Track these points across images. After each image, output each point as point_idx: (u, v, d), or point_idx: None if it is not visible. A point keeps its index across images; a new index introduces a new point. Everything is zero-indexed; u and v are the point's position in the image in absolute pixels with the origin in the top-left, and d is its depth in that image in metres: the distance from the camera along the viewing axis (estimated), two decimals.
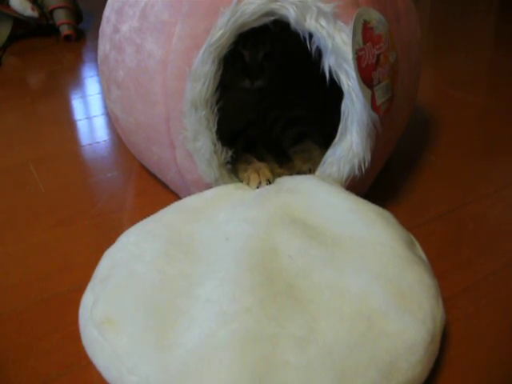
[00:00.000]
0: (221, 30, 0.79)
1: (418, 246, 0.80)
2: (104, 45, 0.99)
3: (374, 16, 0.81)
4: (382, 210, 0.81)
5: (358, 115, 0.81)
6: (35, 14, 1.89)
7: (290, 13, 0.79)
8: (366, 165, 0.84)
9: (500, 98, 1.46)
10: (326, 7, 0.78)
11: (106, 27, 0.99)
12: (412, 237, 0.81)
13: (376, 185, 0.97)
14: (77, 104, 1.55)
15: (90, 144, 1.30)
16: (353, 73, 0.78)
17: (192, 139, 0.85)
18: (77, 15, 1.96)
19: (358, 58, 0.78)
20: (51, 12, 1.91)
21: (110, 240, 0.96)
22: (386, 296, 0.65)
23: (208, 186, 0.90)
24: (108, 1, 1.02)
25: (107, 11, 1.00)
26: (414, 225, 0.89)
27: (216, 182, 0.89)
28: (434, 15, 2.24)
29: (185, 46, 0.82)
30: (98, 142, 1.30)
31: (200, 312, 0.63)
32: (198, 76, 0.81)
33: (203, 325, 0.61)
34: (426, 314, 0.66)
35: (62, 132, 1.36)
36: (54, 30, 1.92)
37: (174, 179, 0.98)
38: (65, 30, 1.90)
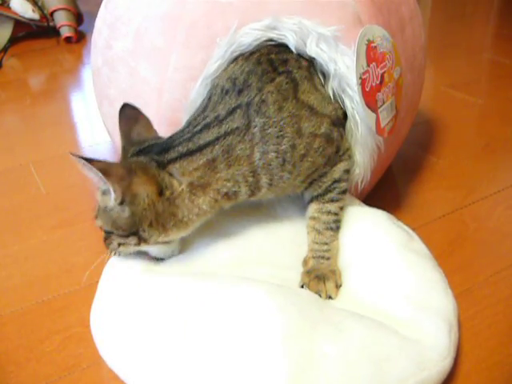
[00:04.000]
0: (217, 62, 0.78)
1: (416, 238, 0.80)
2: (96, 57, 0.98)
3: (378, 33, 0.80)
4: (374, 211, 0.82)
5: (361, 138, 0.80)
6: (36, 15, 1.89)
7: (289, 40, 0.77)
8: (365, 183, 0.84)
9: (501, 98, 1.46)
10: (327, 31, 0.76)
11: (97, 39, 0.98)
12: (408, 230, 0.81)
13: (377, 186, 0.97)
14: (77, 106, 1.55)
15: (90, 146, 1.30)
16: (356, 96, 0.77)
17: None
18: (77, 17, 1.96)
19: (362, 82, 0.76)
20: (52, 14, 1.91)
21: None
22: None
23: None
24: (100, 11, 0.99)
25: (99, 22, 0.98)
26: (415, 226, 0.89)
27: None
28: (435, 16, 2.24)
29: (181, 77, 0.80)
30: (98, 144, 1.30)
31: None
32: (195, 108, 0.79)
33: None
34: (437, 308, 0.67)
35: (62, 134, 1.36)
36: (54, 32, 1.92)
37: None
38: (65, 32, 1.90)
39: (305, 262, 0.76)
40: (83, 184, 1.14)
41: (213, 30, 0.79)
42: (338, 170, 0.78)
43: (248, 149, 0.69)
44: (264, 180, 0.71)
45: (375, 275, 0.72)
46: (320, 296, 0.70)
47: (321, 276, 0.71)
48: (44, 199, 1.08)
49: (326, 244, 0.75)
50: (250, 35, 0.77)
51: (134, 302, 0.69)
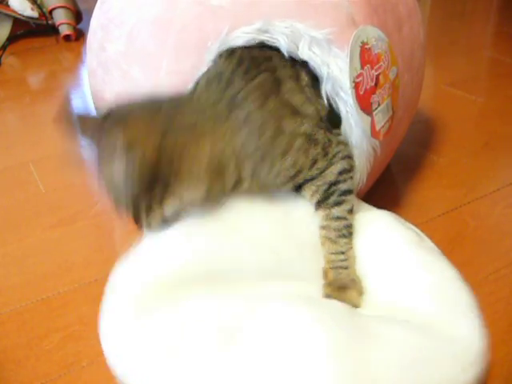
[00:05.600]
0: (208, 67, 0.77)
1: (424, 237, 0.79)
2: (91, 59, 0.97)
3: (373, 34, 0.79)
4: (382, 213, 0.81)
5: (356, 141, 0.78)
6: (35, 13, 1.88)
7: (281, 43, 0.75)
8: (361, 185, 0.83)
9: (501, 97, 1.46)
10: (319, 34, 0.75)
11: (92, 40, 0.97)
12: (416, 229, 0.80)
13: (377, 184, 0.97)
14: (76, 104, 1.55)
15: (89, 144, 1.30)
16: (350, 100, 0.75)
17: None
18: (76, 15, 1.96)
19: (356, 85, 0.75)
20: (51, 12, 1.91)
21: (109, 240, 0.97)
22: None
23: None
24: (94, 12, 0.99)
25: (94, 23, 0.98)
26: (414, 224, 0.89)
27: None
28: (434, 14, 2.24)
29: (173, 82, 0.79)
30: None
31: None
32: None
33: None
34: (465, 304, 0.67)
35: (61, 132, 1.36)
36: (53, 30, 1.92)
37: None
38: (64, 30, 1.90)
39: (325, 274, 0.73)
40: (82, 183, 1.14)
41: (204, 33, 0.78)
42: (330, 173, 0.75)
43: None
44: (244, 173, 0.70)
45: (396, 278, 0.70)
46: None
47: (342, 286, 0.70)
48: (43, 198, 1.08)
49: (343, 253, 0.73)
50: (242, 39, 0.76)
51: (159, 322, 0.62)
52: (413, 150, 1.19)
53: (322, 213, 0.75)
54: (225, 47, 0.77)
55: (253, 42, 0.77)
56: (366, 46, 0.77)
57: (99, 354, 0.73)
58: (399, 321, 0.64)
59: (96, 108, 1.03)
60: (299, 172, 0.73)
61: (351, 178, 0.78)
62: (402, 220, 0.82)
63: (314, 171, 0.74)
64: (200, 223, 0.71)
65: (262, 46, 0.77)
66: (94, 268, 0.88)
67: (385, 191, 1.02)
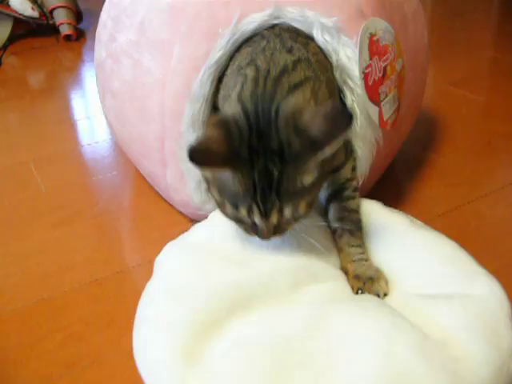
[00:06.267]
0: (220, 52, 0.78)
1: (413, 218, 0.79)
2: (100, 50, 0.98)
3: (380, 26, 0.80)
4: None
5: (360, 130, 0.79)
6: (35, 13, 1.88)
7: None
8: (364, 178, 0.83)
9: (502, 95, 1.46)
10: (329, 22, 0.77)
11: (102, 32, 0.98)
12: (404, 213, 0.80)
13: (379, 184, 0.97)
14: (77, 104, 1.55)
15: (90, 144, 1.30)
16: (357, 89, 0.76)
17: (186, 159, 0.84)
18: (77, 15, 1.96)
19: (365, 76, 0.76)
20: (51, 12, 1.91)
21: (110, 240, 0.97)
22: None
23: (194, 209, 0.89)
24: (104, 5, 1.01)
25: (104, 16, 0.99)
26: None
27: (203, 205, 0.88)
28: (435, 13, 2.24)
29: (184, 68, 0.81)
30: (98, 142, 1.30)
31: None
32: (197, 97, 0.80)
33: None
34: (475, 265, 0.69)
35: (62, 131, 1.36)
36: (54, 30, 1.92)
37: (163, 193, 0.98)
38: (65, 30, 1.89)
39: (345, 268, 0.73)
40: (83, 182, 1.14)
41: (216, 20, 0.79)
42: (347, 169, 0.76)
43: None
44: None
45: (409, 261, 0.71)
46: (378, 296, 0.68)
47: (370, 278, 0.70)
48: (44, 197, 1.08)
49: (360, 246, 0.73)
50: (253, 24, 0.77)
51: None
52: (415, 149, 1.19)
53: (336, 205, 0.75)
54: (239, 37, 0.77)
55: (262, 29, 0.78)
56: (374, 38, 0.79)
57: (100, 354, 0.73)
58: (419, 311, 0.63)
59: (101, 101, 1.03)
60: (332, 159, 0.70)
61: (356, 176, 0.79)
62: (388, 207, 0.82)
63: (337, 162, 0.74)
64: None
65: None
66: (94, 268, 0.88)
67: (387, 190, 1.01)
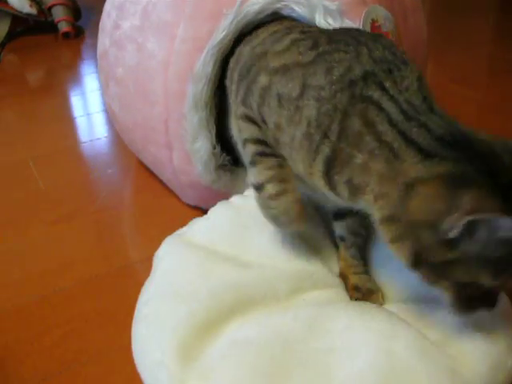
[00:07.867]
0: (224, 32, 0.79)
1: None
2: (104, 40, 0.99)
3: (381, 13, 0.81)
4: None
5: None
6: (33, 10, 1.88)
7: (297, 12, 0.77)
8: None
9: (500, 93, 1.46)
10: (332, 5, 0.77)
11: (106, 22, 0.99)
12: None
13: None
14: (76, 101, 1.55)
15: (89, 140, 1.30)
16: None
17: (191, 140, 0.85)
18: (75, 12, 1.95)
19: None
20: (49, 9, 1.90)
21: (109, 236, 0.97)
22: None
23: (204, 189, 0.89)
24: None
25: (108, 6, 1.00)
26: None
27: (213, 184, 0.88)
28: (434, 11, 2.24)
29: (187, 48, 0.81)
30: (97, 139, 1.30)
31: None
32: (200, 77, 0.81)
33: None
34: None
35: (61, 129, 1.36)
36: (52, 27, 1.91)
37: (169, 179, 0.98)
38: (63, 27, 1.89)
39: (344, 277, 0.72)
40: (82, 179, 1.14)
41: (220, 1, 0.80)
42: None
43: None
44: None
45: (404, 276, 0.69)
46: None
47: (369, 291, 0.70)
48: (43, 194, 1.08)
49: (363, 259, 0.74)
50: (257, 6, 0.78)
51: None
52: None
53: (356, 219, 0.73)
54: (243, 19, 0.78)
55: (267, 11, 0.78)
56: (376, 24, 0.80)
57: (100, 350, 0.73)
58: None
59: (105, 91, 1.03)
60: None
61: None
62: None
63: None
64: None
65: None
66: (94, 264, 0.88)
67: None
